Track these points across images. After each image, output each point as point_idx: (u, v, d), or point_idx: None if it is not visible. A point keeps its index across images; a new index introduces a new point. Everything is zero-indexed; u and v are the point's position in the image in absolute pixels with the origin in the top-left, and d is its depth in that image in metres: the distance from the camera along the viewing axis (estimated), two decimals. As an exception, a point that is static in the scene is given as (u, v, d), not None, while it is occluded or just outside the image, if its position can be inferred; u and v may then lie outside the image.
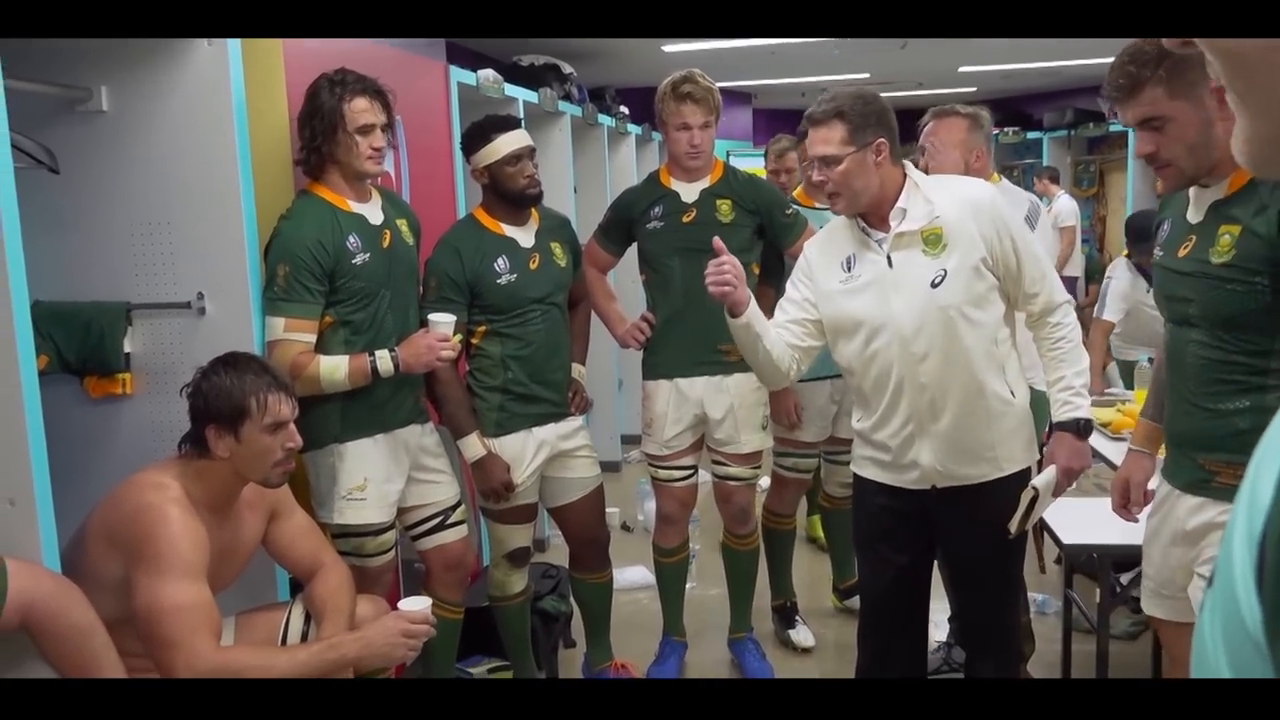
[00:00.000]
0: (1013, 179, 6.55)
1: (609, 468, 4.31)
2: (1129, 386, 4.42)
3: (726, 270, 2.25)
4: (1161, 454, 2.14)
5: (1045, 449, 2.38)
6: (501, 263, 2.90)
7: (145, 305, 2.47)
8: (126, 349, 2.45)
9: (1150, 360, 3.26)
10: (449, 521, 2.87)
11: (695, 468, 3.31)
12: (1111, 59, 1.89)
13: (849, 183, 2.28)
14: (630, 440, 5.73)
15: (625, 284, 4.61)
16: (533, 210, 3.01)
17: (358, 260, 2.58)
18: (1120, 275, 4.44)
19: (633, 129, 6.33)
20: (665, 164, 3.26)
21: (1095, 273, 7.97)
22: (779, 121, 9.24)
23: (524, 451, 2.97)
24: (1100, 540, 2.65)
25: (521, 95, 4.49)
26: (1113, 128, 8.84)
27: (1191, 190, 1.93)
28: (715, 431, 3.20)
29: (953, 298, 2.25)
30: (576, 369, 3.14)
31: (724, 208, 3.12)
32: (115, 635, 1.94)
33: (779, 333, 2.38)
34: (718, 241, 2.33)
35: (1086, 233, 9.37)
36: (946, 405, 2.28)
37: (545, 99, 4.85)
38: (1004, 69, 8.54)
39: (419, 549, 2.91)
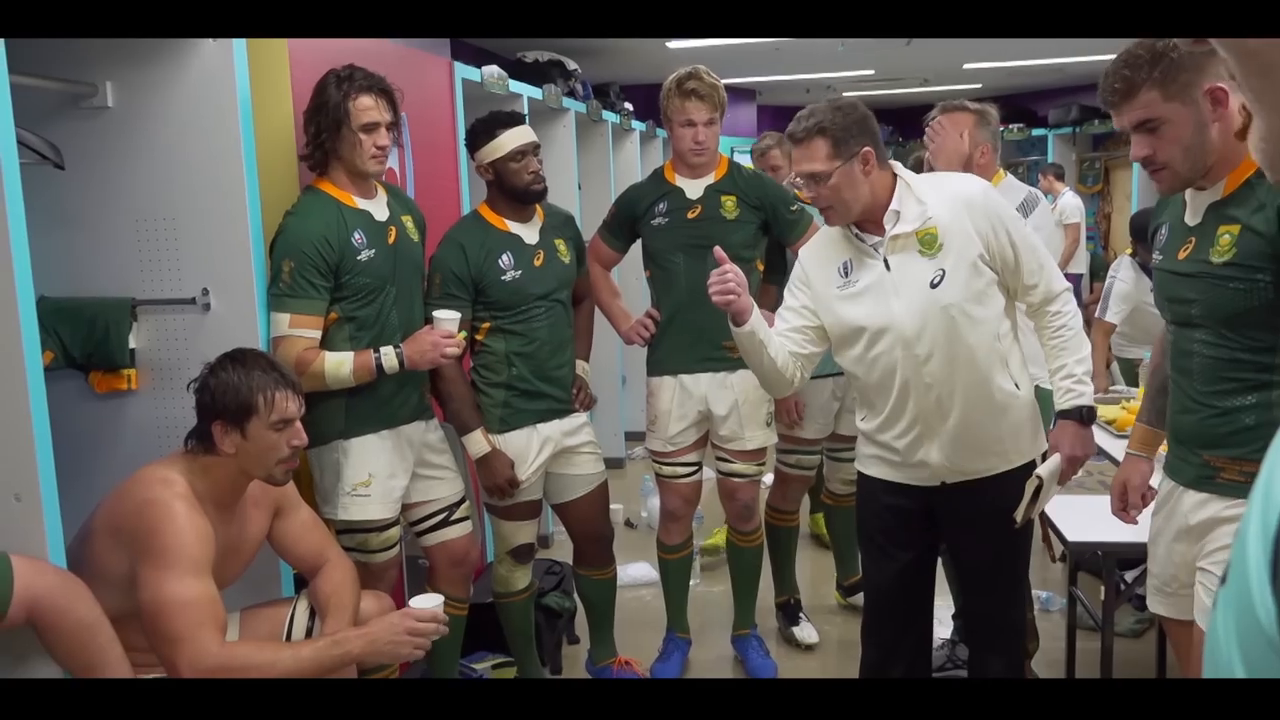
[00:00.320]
0: (1018, 175, 6.54)
1: (613, 464, 4.31)
2: (1131, 384, 4.42)
3: (729, 279, 2.25)
4: (1163, 451, 2.14)
5: (1049, 437, 2.38)
6: (506, 259, 2.90)
7: (150, 301, 2.47)
8: (131, 345, 2.45)
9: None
10: (453, 518, 2.87)
11: (699, 464, 3.30)
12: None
13: (840, 196, 2.27)
14: (634, 437, 5.73)
15: (629, 280, 4.61)
16: (537, 207, 3.00)
17: (363, 256, 2.58)
18: (1124, 275, 4.43)
19: (637, 125, 6.31)
20: (670, 161, 3.26)
21: (1100, 270, 7.95)
22: (783, 118, 9.19)
23: (528, 448, 2.97)
24: (1105, 538, 2.64)
25: (526, 91, 4.49)
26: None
27: (1188, 193, 1.94)
28: (720, 428, 3.20)
29: (953, 296, 2.24)
30: (580, 365, 3.14)
31: (729, 204, 3.11)
32: (121, 630, 1.94)
33: (781, 341, 2.37)
34: (719, 251, 2.33)
35: (1091, 230, 9.35)
36: (953, 404, 2.28)
37: (550, 95, 4.84)
38: (1009, 65, 8.51)
39: (423, 545, 2.91)
